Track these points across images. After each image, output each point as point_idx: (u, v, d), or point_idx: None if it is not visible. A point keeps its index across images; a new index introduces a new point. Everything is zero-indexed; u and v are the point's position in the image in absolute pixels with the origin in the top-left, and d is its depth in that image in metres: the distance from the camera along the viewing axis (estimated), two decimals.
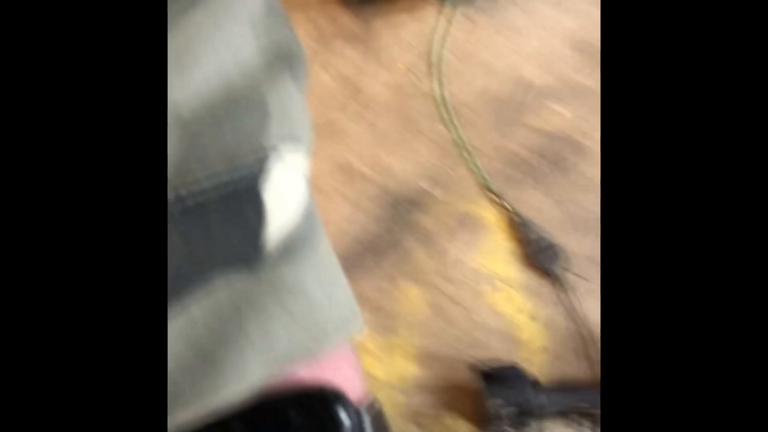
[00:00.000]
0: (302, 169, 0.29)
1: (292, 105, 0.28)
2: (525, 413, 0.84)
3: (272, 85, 0.28)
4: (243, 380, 0.24)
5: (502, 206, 1.06)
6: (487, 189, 1.08)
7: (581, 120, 1.11)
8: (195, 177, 0.25)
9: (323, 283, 0.28)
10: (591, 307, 0.98)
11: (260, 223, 0.26)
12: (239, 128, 0.26)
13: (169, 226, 0.24)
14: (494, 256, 1.04)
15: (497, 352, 0.97)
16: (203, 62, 0.26)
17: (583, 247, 1.02)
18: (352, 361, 0.29)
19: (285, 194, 0.28)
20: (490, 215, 1.07)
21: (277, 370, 0.26)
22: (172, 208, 0.24)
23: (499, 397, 0.83)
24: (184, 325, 0.25)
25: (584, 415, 0.92)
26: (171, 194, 0.24)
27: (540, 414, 0.90)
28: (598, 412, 0.91)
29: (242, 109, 0.26)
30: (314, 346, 0.27)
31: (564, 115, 1.11)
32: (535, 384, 0.88)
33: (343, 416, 0.25)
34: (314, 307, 0.27)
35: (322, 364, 0.27)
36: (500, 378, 0.85)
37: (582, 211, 1.05)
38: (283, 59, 0.29)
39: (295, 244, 0.28)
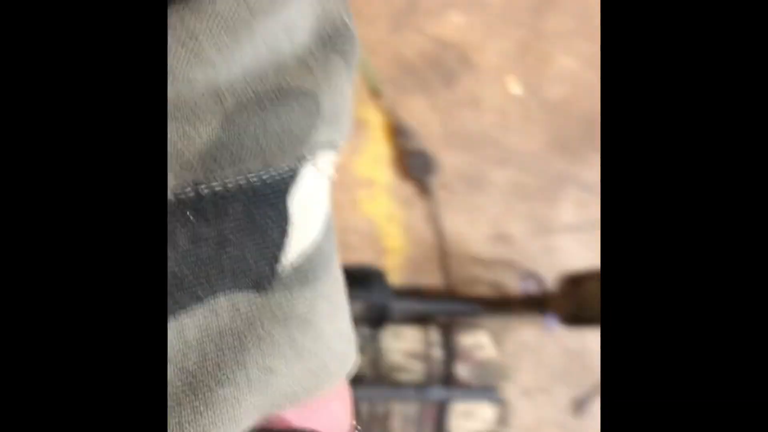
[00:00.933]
0: (331, 171, 0.25)
1: (343, 104, 0.24)
2: (381, 316, 0.91)
3: (326, 76, 0.23)
4: (234, 424, 0.21)
5: (390, 114, 1.08)
6: (375, 93, 1.08)
7: (475, 32, 1.12)
8: (222, 174, 0.21)
9: (332, 314, 0.25)
10: (454, 220, 1.05)
11: (281, 240, 0.23)
12: (285, 126, 0.22)
13: (178, 225, 0.21)
14: (374, 164, 1.07)
15: (363, 256, 1.03)
16: (256, 33, 0.21)
17: (456, 162, 1.07)
18: (343, 393, 0.26)
19: (311, 205, 0.24)
20: (376, 122, 1.08)
21: (271, 412, 0.23)
22: (187, 206, 0.21)
23: (357, 298, 0.89)
24: (176, 344, 0.21)
25: (436, 322, 1.01)
26: (189, 189, 0.21)
27: (395, 318, 0.98)
28: (449, 320, 1.01)
29: (293, 102, 0.22)
30: (314, 387, 0.23)
31: (459, 25, 1.11)
32: (392, 289, 0.94)
33: None
34: (322, 342, 0.24)
35: (312, 403, 0.24)
36: (359, 279, 0.90)
37: (461, 128, 1.09)
38: (336, 38, 0.24)
39: (312, 265, 0.24)
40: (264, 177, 0.22)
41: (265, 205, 0.22)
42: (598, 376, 0.76)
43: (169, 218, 0.21)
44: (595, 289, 0.80)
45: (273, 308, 0.22)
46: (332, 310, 0.24)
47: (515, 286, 1.02)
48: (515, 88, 1.10)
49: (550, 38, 1.12)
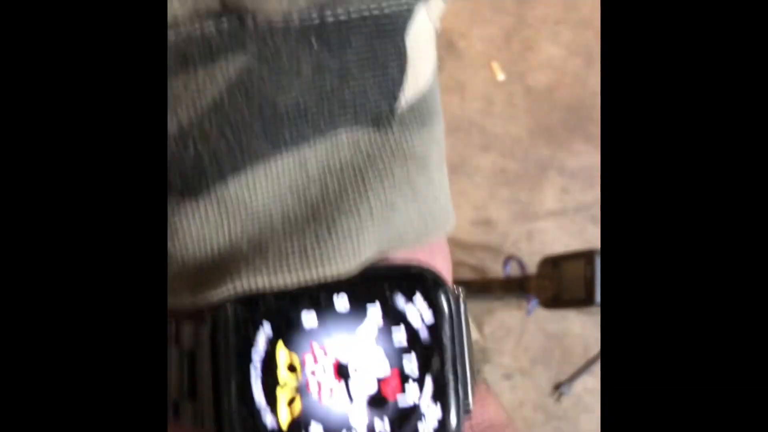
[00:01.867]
0: (437, 22, 0.25)
1: None
2: None
3: None
4: (356, 255, 0.21)
5: None
6: None
7: (461, 19, 1.12)
8: (346, 2, 0.21)
9: (440, 163, 0.24)
10: None
11: (400, 77, 0.22)
12: None
13: (303, 52, 0.21)
14: None
15: None
16: None
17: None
18: (446, 251, 0.26)
19: (424, 46, 0.24)
20: None
21: (388, 250, 0.23)
22: (311, 33, 0.21)
23: None
24: (298, 176, 0.21)
25: None
26: (315, 16, 0.21)
27: None
28: None
29: None
30: (424, 233, 0.23)
31: (445, 11, 1.12)
32: None
33: (443, 301, 0.23)
34: (432, 188, 0.23)
35: (420, 252, 0.24)
36: None
37: (445, 114, 1.09)
38: None
39: (426, 107, 0.24)
40: (384, 8, 0.22)
41: (386, 39, 0.22)
42: (579, 360, 0.77)
43: (294, 45, 0.21)
44: (573, 271, 0.81)
45: (392, 146, 0.22)
46: (440, 160, 0.24)
47: (497, 270, 1.03)
48: (500, 74, 1.11)
49: (535, 26, 1.13)
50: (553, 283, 0.83)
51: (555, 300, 0.83)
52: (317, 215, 0.21)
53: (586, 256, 0.79)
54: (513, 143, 1.09)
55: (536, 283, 0.86)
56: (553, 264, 0.84)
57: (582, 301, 0.79)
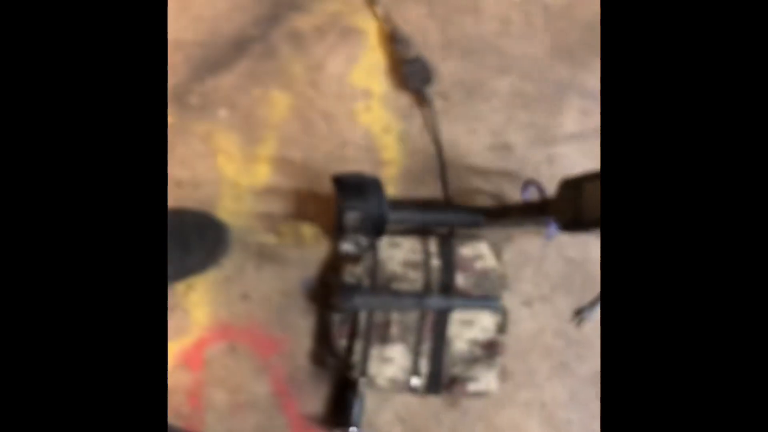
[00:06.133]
0: None
1: None
2: (378, 225, 0.90)
3: None
4: None
5: (386, 21, 1.04)
6: (371, 0, 1.05)
7: None
8: None
9: None
10: (453, 131, 1.03)
11: None
12: None
13: None
14: (370, 74, 1.05)
15: (360, 169, 1.01)
16: None
17: (455, 70, 1.04)
18: None
19: None
20: (371, 30, 1.05)
21: None
22: None
23: (354, 208, 0.88)
24: None
25: (435, 233, 1.00)
26: None
27: (393, 229, 0.98)
28: (444, 230, 1.00)
29: None
30: None
31: None
32: (391, 200, 0.93)
33: None
34: None
35: None
36: (357, 189, 0.89)
37: (461, 36, 1.05)
38: None
39: None
40: None
41: None
42: (599, 286, 0.75)
43: None
44: (593, 191, 0.78)
45: None
46: None
47: (516, 196, 1.01)
48: None
49: None
50: (572, 205, 0.81)
51: (576, 222, 0.81)
52: None
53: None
54: (531, 64, 1.05)
55: (555, 206, 0.84)
56: (572, 186, 0.81)
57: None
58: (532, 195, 0.96)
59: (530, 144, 1.03)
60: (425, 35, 1.05)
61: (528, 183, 0.95)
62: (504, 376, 0.98)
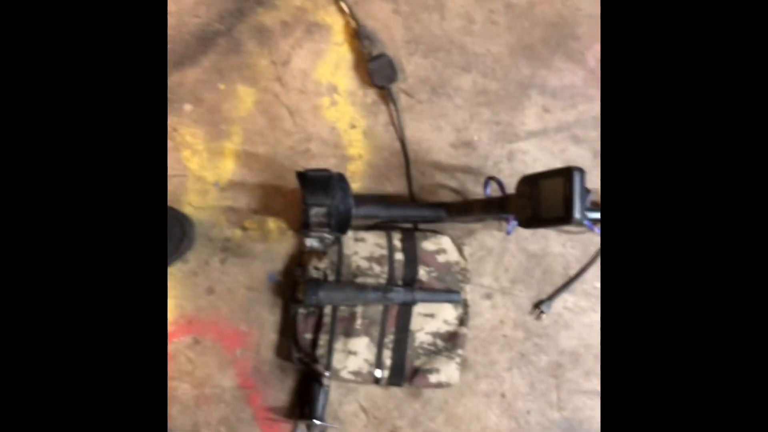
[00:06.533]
0: None
1: None
2: (343, 221, 0.92)
3: None
4: None
5: (352, 17, 1.05)
6: None
7: None
8: None
9: None
10: (418, 127, 1.04)
11: None
12: None
13: None
14: (336, 70, 1.05)
15: (326, 164, 1.02)
16: None
17: (420, 67, 1.06)
18: None
19: None
20: (337, 26, 1.06)
21: None
22: None
23: (318, 203, 0.89)
24: None
25: (396, 227, 1.02)
26: None
27: (358, 224, 0.99)
28: (408, 225, 1.01)
29: None
30: None
31: None
32: (354, 194, 0.95)
33: None
34: None
35: None
36: (322, 185, 0.90)
37: (426, 33, 1.07)
38: None
39: None
40: None
41: None
42: (559, 279, 0.78)
43: None
44: (552, 188, 0.80)
45: None
46: None
47: (478, 192, 1.03)
48: None
49: None
50: (531, 202, 0.83)
51: (534, 219, 0.83)
52: None
53: (564, 173, 0.79)
54: (494, 62, 1.07)
55: (515, 203, 0.86)
56: (531, 183, 0.83)
57: (560, 219, 0.79)
58: (494, 190, 0.98)
59: (493, 141, 1.05)
60: (390, 32, 1.06)
61: (489, 179, 0.97)
62: (465, 367, 1.00)
